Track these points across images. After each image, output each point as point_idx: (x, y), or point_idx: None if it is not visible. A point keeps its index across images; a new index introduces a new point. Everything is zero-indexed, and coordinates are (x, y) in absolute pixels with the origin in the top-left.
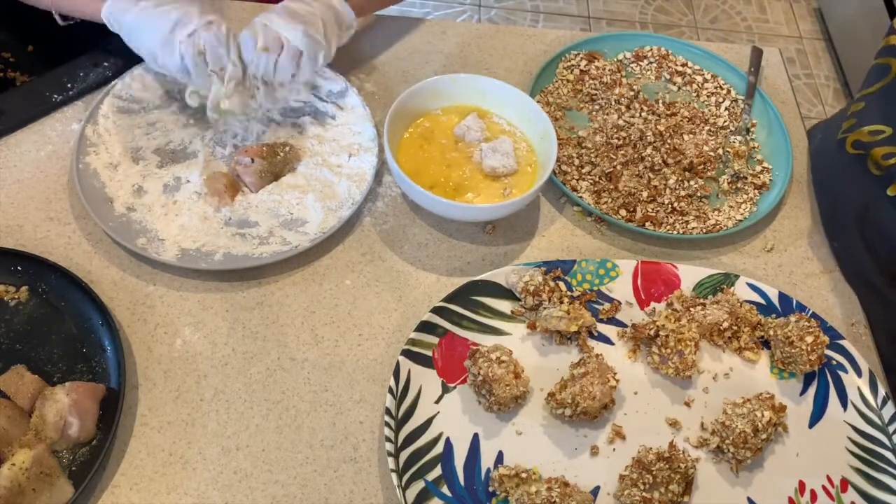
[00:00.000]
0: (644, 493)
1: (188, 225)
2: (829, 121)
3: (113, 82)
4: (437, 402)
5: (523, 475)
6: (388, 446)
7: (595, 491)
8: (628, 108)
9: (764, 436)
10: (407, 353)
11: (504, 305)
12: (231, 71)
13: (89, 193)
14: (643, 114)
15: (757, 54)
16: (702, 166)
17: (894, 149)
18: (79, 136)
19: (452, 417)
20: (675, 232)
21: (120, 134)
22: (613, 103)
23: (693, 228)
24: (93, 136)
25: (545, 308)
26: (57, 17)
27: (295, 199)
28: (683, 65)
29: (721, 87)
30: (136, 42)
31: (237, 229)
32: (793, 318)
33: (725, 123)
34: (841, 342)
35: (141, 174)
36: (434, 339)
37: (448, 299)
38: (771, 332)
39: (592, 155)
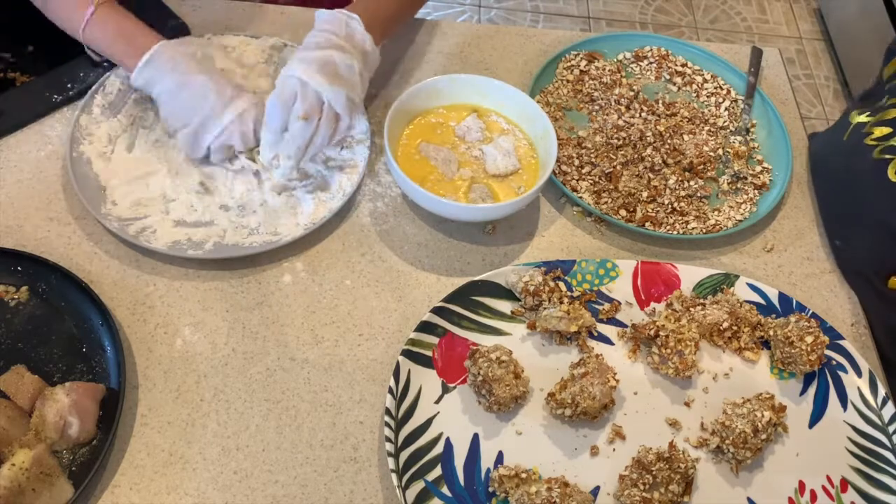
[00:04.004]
0: (644, 494)
1: (181, 214)
2: (837, 124)
3: (108, 73)
4: (437, 402)
5: (523, 475)
6: (388, 446)
7: (595, 491)
8: (628, 108)
9: (764, 436)
10: (407, 353)
11: (504, 305)
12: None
13: (83, 182)
14: (643, 114)
15: (757, 54)
16: (702, 166)
17: None
18: (73, 126)
19: (452, 417)
20: (675, 232)
21: (114, 123)
22: (613, 103)
23: (693, 228)
24: (87, 125)
25: (545, 308)
26: (90, 52)
27: (286, 191)
28: (683, 65)
29: (721, 88)
30: (163, 116)
31: (228, 216)
32: (793, 318)
33: (725, 123)
34: (841, 342)
35: (135, 162)
36: (434, 339)
37: (448, 299)
38: (771, 333)
39: (592, 155)
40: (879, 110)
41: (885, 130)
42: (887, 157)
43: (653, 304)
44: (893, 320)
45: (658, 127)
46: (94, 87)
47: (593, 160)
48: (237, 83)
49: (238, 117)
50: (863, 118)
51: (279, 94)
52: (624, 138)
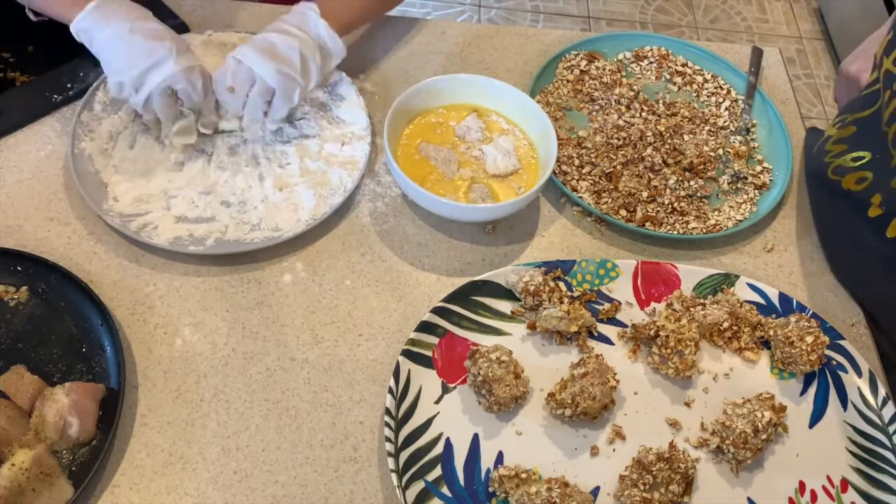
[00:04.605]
0: (644, 494)
1: (182, 210)
2: (820, 137)
3: None
4: (437, 402)
5: (523, 475)
6: (388, 446)
7: (595, 491)
8: (628, 108)
9: (764, 436)
10: (407, 354)
11: (504, 305)
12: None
13: (84, 179)
14: (643, 114)
15: (757, 54)
16: (702, 166)
17: (867, 174)
18: (75, 122)
19: (452, 417)
20: (675, 232)
21: (115, 119)
22: (613, 103)
23: (693, 228)
24: (89, 121)
25: (545, 308)
26: (29, 13)
27: (287, 187)
28: (683, 65)
29: (721, 87)
30: (105, 63)
31: (229, 212)
32: (793, 318)
33: (725, 123)
34: (841, 342)
35: (136, 159)
36: (434, 340)
37: (448, 299)
38: (771, 332)
39: (592, 155)
40: (844, 124)
41: (841, 147)
42: (837, 178)
43: (653, 304)
44: None
45: (658, 127)
46: (95, 84)
47: (593, 160)
48: (179, 38)
49: (188, 68)
50: (833, 130)
51: (219, 72)
52: (624, 138)
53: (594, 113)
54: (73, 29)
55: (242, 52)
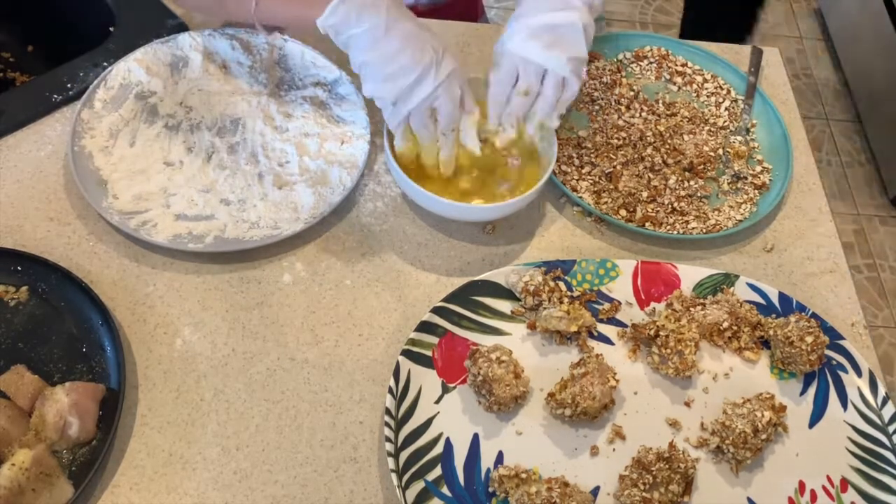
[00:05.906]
0: (644, 494)
1: (181, 208)
2: None
3: (110, 67)
4: (437, 402)
5: (523, 475)
6: (388, 446)
7: (595, 491)
8: (628, 108)
9: (764, 436)
10: (407, 353)
11: (504, 305)
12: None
13: (84, 176)
14: (643, 114)
15: (757, 54)
16: (702, 166)
17: None
18: (75, 120)
19: (452, 417)
20: (675, 232)
21: (115, 117)
22: (613, 103)
23: (693, 228)
24: (89, 119)
25: (545, 308)
26: (260, 29)
27: (287, 185)
28: (683, 65)
29: (721, 87)
30: (357, 66)
31: (229, 210)
32: (793, 318)
33: (725, 123)
34: (841, 342)
35: (136, 157)
36: (434, 339)
37: (448, 299)
38: (771, 332)
39: (592, 155)
40: None
41: None
42: None
43: (653, 304)
44: None
45: (658, 127)
46: (95, 82)
47: (593, 160)
48: (434, 36)
49: (448, 77)
50: None
51: (500, 72)
52: (624, 138)
53: (594, 113)
54: (320, 25)
55: (522, 46)
